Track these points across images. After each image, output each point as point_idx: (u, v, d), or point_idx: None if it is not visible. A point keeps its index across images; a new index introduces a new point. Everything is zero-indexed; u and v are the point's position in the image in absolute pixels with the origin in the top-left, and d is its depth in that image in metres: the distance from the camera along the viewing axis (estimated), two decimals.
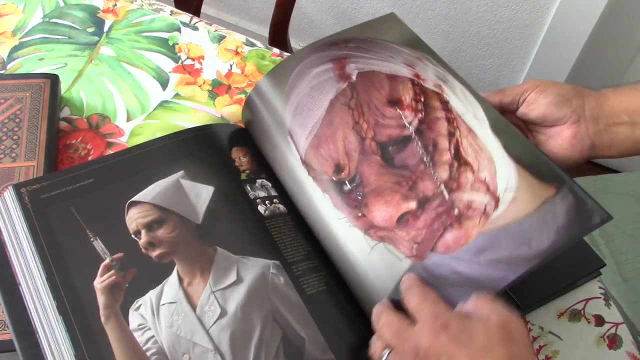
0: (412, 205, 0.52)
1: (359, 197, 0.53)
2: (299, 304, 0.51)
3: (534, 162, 0.54)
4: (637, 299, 0.86)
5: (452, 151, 0.54)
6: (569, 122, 0.58)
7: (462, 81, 0.60)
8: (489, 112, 0.57)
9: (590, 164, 1.66)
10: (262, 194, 0.58)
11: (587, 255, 0.64)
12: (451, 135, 0.55)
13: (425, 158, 0.54)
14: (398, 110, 0.56)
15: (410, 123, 0.56)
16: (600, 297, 0.63)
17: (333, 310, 0.52)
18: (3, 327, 0.52)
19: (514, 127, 0.57)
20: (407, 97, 0.57)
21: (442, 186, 0.52)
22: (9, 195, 0.53)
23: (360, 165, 0.54)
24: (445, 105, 0.57)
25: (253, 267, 0.52)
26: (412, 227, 0.51)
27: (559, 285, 0.61)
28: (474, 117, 0.57)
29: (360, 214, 0.52)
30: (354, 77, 0.59)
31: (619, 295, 0.87)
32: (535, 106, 0.59)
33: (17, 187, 0.54)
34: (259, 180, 0.59)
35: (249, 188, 0.58)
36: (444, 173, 0.53)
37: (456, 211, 0.51)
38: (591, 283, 0.63)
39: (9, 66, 0.73)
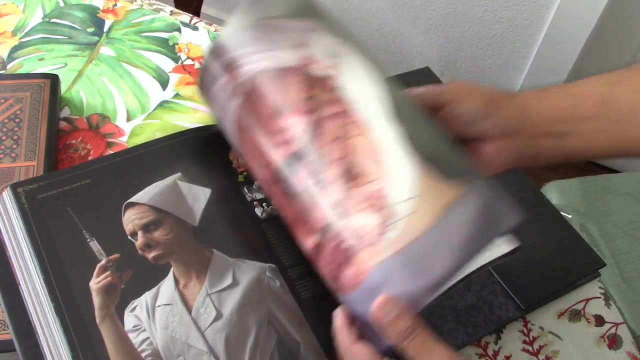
0: (317, 237, 0.45)
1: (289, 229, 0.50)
2: (295, 308, 0.51)
3: (440, 155, 0.44)
4: (637, 299, 0.86)
5: (343, 162, 0.45)
6: (486, 139, 0.51)
7: (362, 50, 0.49)
8: (389, 93, 0.47)
9: (591, 164, 1.66)
10: (259, 196, 0.58)
11: (587, 255, 0.64)
12: (341, 138, 0.45)
13: (315, 177, 0.45)
14: (286, 120, 0.46)
15: (298, 135, 0.46)
16: (600, 297, 0.63)
17: (329, 314, 0.52)
18: (3, 327, 0.52)
19: (419, 111, 0.48)
20: (294, 97, 0.46)
21: (332, 212, 0.44)
22: (7, 195, 0.53)
23: (273, 197, 0.50)
24: (337, 95, 0.46)
25: (249, 270, 0.52)
26: (320, 262, 0.46)
27: (559, 285, 0.61)
28: (370, 101, 0.46)
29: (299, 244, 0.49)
30: (246, 86, 0.49)
31: (618, 295, 0.87)
32: (450, 123, 0.52)
33: (15, 187, 0.53)
34: (256, 182, 0.59)
35: (246, 190, 0.58)
36: (332, 195, 0.44)
37: (345, 243, 0.43)
38: (591, 283, 0.63)
39: (9, 66, 0.73)
